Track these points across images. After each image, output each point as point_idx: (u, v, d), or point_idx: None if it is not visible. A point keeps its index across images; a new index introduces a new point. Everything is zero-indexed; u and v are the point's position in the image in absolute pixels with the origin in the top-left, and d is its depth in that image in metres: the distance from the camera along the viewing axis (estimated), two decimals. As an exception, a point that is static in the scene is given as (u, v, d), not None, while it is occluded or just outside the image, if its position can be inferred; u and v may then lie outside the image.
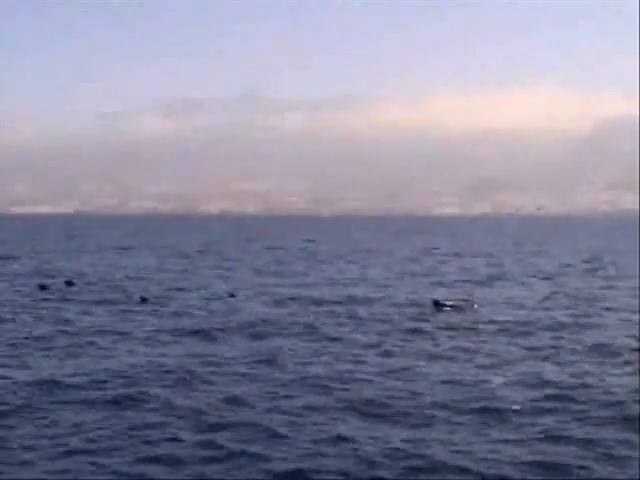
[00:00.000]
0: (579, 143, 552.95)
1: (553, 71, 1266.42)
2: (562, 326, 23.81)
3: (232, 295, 31.29)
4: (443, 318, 25.38)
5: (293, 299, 30.40)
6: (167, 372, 16.79)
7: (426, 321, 24.76)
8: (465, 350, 19.79)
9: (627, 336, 21.69)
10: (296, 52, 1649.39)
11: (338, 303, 29.24)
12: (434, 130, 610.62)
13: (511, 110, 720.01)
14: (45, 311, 27.04)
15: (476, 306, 27.98)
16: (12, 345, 20.26)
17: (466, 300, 28.80)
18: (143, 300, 29.45)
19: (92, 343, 20.55)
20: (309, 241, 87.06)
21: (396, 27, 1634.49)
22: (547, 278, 41.07)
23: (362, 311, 26.91)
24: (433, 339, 21.59)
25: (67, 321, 24.48)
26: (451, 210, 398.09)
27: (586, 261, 55.43)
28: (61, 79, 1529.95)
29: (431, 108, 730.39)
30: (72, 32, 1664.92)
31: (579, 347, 20.19)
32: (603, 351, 19.55)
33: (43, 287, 33.82)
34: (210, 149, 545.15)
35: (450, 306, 27.55)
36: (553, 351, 19.70)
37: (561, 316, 25.93)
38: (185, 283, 36.82)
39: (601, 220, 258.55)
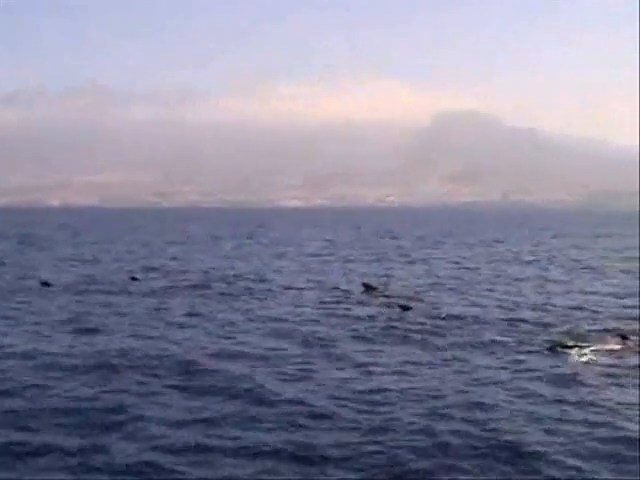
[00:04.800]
0: (418, 137, 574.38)
1: (393, 65, 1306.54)
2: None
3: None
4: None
5: None
6: None
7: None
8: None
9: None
10: (138, 43, 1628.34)
11: None
12: (278, 124, 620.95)
13: (354, 104, 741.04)
14: None
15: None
16: None
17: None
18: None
19: None
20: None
21: (241, 23, 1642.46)
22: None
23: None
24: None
25: None
26: (294, 203, 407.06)
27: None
28: None
29: (275, 103, 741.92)
30: None
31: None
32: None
33: None
34: (51, 141, 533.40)
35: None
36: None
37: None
38: None
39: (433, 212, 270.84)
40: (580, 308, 25.51)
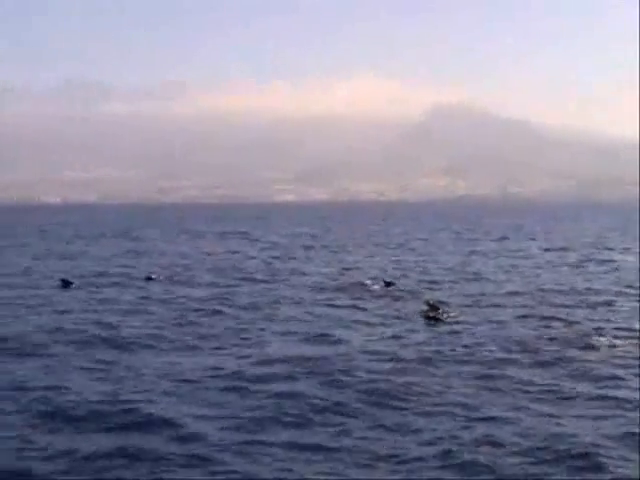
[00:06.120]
0: (413, 131, 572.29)
1: (387, 61, 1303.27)
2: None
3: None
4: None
5: None
6: None
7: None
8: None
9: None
10: (124, 39, 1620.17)
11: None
12: (268, 117, 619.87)
13: (347, 97, 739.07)
14: None
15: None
16: None
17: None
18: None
19: None
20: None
21: (232, 18, 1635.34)
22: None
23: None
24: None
25: None
26: (288, 197, 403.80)
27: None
28: None
29: (267, 95, 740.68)
30: None
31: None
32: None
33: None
34: (41, 138, 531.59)
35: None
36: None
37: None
38: None
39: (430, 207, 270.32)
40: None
